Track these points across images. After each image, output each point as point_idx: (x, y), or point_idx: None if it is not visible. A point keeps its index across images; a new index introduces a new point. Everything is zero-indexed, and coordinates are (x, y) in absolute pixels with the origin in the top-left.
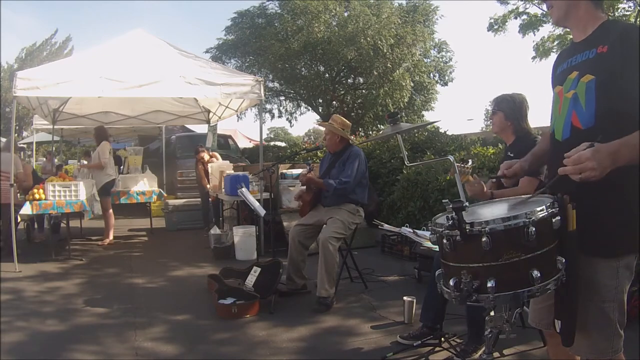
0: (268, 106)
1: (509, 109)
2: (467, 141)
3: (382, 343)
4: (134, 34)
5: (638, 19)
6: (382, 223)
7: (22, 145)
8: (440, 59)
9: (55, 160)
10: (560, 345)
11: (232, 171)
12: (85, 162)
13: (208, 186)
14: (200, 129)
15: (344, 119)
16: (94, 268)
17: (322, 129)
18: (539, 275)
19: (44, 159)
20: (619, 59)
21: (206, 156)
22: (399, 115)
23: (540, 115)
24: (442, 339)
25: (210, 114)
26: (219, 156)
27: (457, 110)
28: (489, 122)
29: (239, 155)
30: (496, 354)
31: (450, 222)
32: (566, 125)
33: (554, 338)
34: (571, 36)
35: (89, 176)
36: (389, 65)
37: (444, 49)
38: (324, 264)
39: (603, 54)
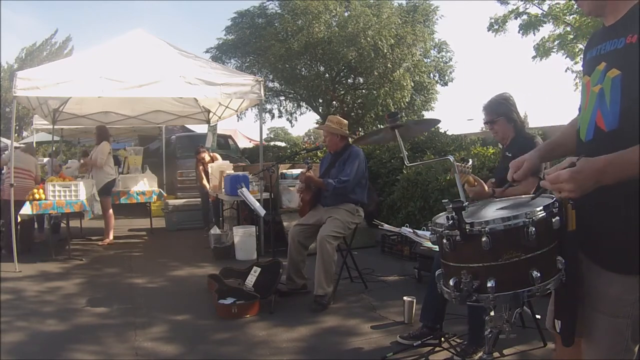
0: (268, 106)
1: (507, 111)
2: (467, 141)
3: (382, 343)
4: (134, 34)
5: None
6: (382, 223)
7: (21, 144)
8: (440, 59)
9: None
10: (572, 349)
11: (232, 171)
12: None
13: (208, 186)
14: (200, 129)
15: (340, 118)
16: (94, 268)
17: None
18: (539, 275)
19: (44, 159)
20: None
21: (207, 157)
22: (399, 115)
23: (540, 115)
24: (442, 339)
25: (210, 114)
26: (219, 157)
27: (457, 110)
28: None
29: (239, 155)
30: (496, 354)
31: (450, 222)
32: (590, 125)
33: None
34: (571, 36)
35: (89, 176)
36: (389, 65)
37: (444, 49)
38: (321, 262)
39: (632, 45)
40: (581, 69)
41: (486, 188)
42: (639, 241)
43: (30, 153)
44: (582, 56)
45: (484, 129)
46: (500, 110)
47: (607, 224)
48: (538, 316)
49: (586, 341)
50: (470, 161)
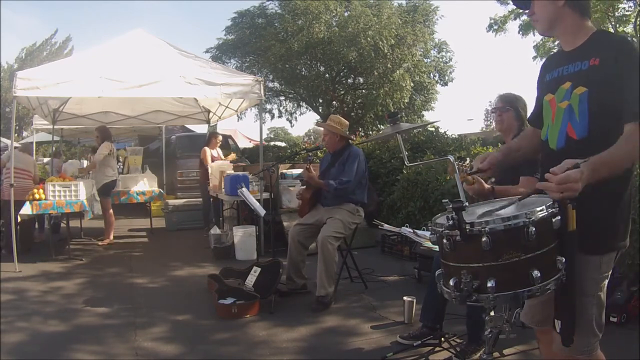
0: (268, 106)
1: (520, 109)
2: (467, 141)
3: (382, 343)
4: (134, 34)
5: (638, 19)
6: (382, 223)
7: (19, 144)
8: (440, 59)
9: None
10: (552, 343)
11: (232, 171)
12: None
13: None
14: (200, 129)
15: (342, 118)
16: (94, 268)
17: (322, 129)
18: (539, 275)
19: (44, 159)
20: (614, 72)
21: (214, 152)
22: (399, 115)
23: None
24: (442, 339)
25: (210, 114)
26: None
27: (457, 110)
28: (489, 122)
29: (239, 155)
30: (496, 354)
31: (450, 222)
32: (561, 135)
33: (545, 335)
34: None
35: (89, 176)
36: (389, 65)
37: (444, 49)
38: (323, 263)
39: (595, 67)
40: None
41: (485, 186)
42: (601, 223)
43: (28, 153)
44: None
45: (483, 129)
46: (514, 104)
47: (581, 212)
48: None
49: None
50: (468, 160)
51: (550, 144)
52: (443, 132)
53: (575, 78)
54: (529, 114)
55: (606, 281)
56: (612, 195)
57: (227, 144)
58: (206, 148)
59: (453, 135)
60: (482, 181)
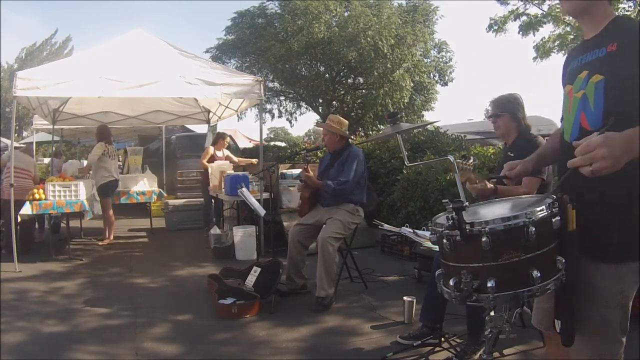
0: (268, 106)
1: (514, 109)
2: (467, 141)
3: (382, 343)
4: (134, 34)
5: (638, 19)
6: (382, 223)
7: (21, 145)
8: (440, 59)
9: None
10: (559, 347)
11: (232, 171)
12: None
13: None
14: (200, 129)
15: (341, 118)
16: (94, 268)
17: (322, 129)
18: (539, 275)
19: (44, 159)
20: (630, 58)
21: (220, 153)
22: (399, 115)
23: (541, 115)
24: (442, 339)
25: (210, 114)
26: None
27: (457, 110)
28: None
29: (239, 156)
30: (496, 354)
31: (450, 222)
32: (575, 126)
33: (553, 340)
34: (571, 36)
35: (89, 176)
36: (389, 65)
37: (444, 49)
38: (323, 264)
39: (613, 53)
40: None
41: (488, 185)
42: (624, 232)
43: (29, 154)
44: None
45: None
46: (507, 107)
47: (594, 216)
48: None
49: (579, 336)
50: (472, 159)
51: (565, 135)
52: (443, 131)
53: (592, 66)
54: (529, 113)
55: (635, 290)
56: (634, 200)
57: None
58: (210, 147)
59: (453, 135)
60: (486, 181)
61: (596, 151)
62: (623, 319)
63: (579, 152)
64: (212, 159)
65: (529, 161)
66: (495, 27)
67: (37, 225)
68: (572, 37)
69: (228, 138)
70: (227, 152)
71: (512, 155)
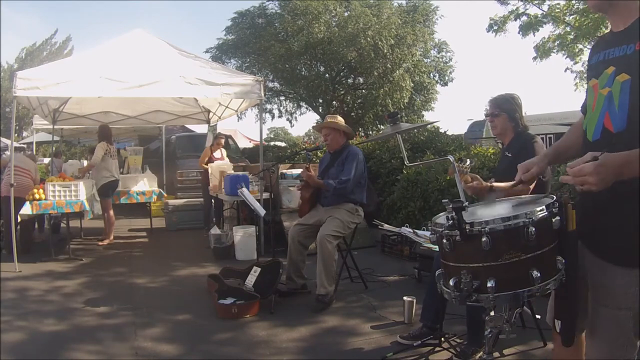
0: (268, 106)
1: (511, 109)
2: (467, 141)
3: (382, 343)
4: (134, 34)
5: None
6: (382, 223)
7: (22, 145)
8: (440, 59)
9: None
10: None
11: (232, 171)
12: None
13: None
14: (200, 129)
15: (338, 116)
16: (94, 268)
17: (323, 130)
18: (538, 275)
19: (44, 159)
20: None
21: (216, 154)
22: (398, 115)
23: (540, 114)
24: (442, 339)
25: (210, 114)
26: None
27: (457, 110)
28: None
29: (239, 155)
30: (496, 354)
31: (450, 222)
32: (598, 126)
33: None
34: (571, 36)
35: (89, 176)
36: (389, 65)
37: (444, 49)
38: (322, 261)
39: None
40: (582, 70)
41: (484, 184)
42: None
43: (32, 158)
44: (581, 57)
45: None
46: (505, 107)
47: (611, 219)
48: (538, 316)
49: (589, 336)
50: (469, 161)
51: (588, 134)
52: (443, 131)
53: (619, 63)
54: (531, 111)
55: None
56: None
57: (227, 144)
58: (208, 149)
59: (452, 135)
60: (481, 179)
61: (587, 178)
62: (635, 320)
63: (571, 173)
64: (210, 160)
65: (543, 161)
66: (495, 28)
67: (37, 225)
68: (572, 37)
69: (222, 140)
70: (222, 152)
71: (509, 155)
